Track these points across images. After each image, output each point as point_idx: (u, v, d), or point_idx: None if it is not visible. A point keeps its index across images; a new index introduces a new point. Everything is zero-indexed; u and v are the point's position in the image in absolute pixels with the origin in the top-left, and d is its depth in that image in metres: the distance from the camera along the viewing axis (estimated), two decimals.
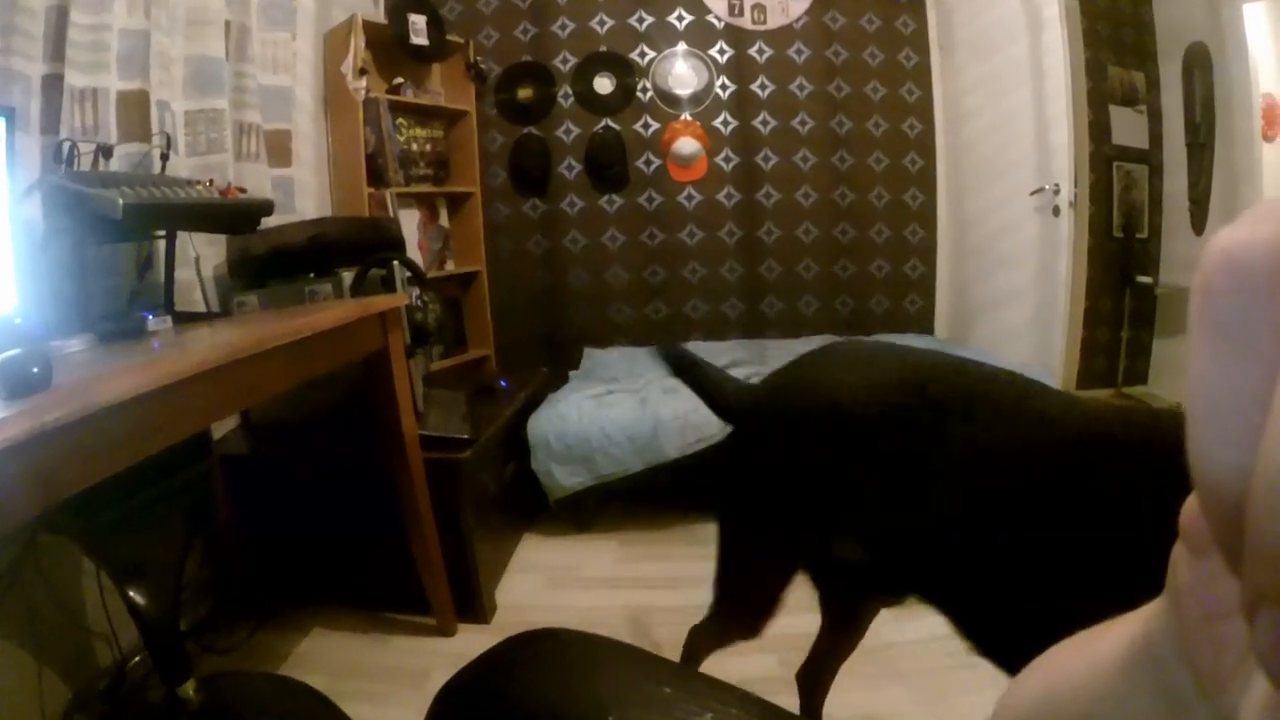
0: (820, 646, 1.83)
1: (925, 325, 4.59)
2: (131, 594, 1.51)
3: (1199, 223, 4.60)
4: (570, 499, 2.90)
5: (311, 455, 2.36)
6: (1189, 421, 0.19)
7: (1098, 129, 4.50)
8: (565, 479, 2.85)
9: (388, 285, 2.38)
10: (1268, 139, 4.33)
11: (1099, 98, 4.51)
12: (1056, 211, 3.62)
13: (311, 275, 2.35)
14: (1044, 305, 3.77)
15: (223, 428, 2.47)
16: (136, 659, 1.95)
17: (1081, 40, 4.14)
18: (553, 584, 2.63)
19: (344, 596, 2.41)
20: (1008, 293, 4.03)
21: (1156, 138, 4.74)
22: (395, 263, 2.40)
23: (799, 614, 2.36)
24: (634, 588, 2.58)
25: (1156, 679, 0.25)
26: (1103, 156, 4.57)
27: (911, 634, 2.30)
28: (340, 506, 2.32)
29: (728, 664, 2.16)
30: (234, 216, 2.06)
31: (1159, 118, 4.74)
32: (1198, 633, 0.22)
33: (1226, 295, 0.18)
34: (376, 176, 3.38)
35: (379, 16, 3.61)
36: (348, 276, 2.33)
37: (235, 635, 2.19)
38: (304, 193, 3.04)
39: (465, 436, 2.35)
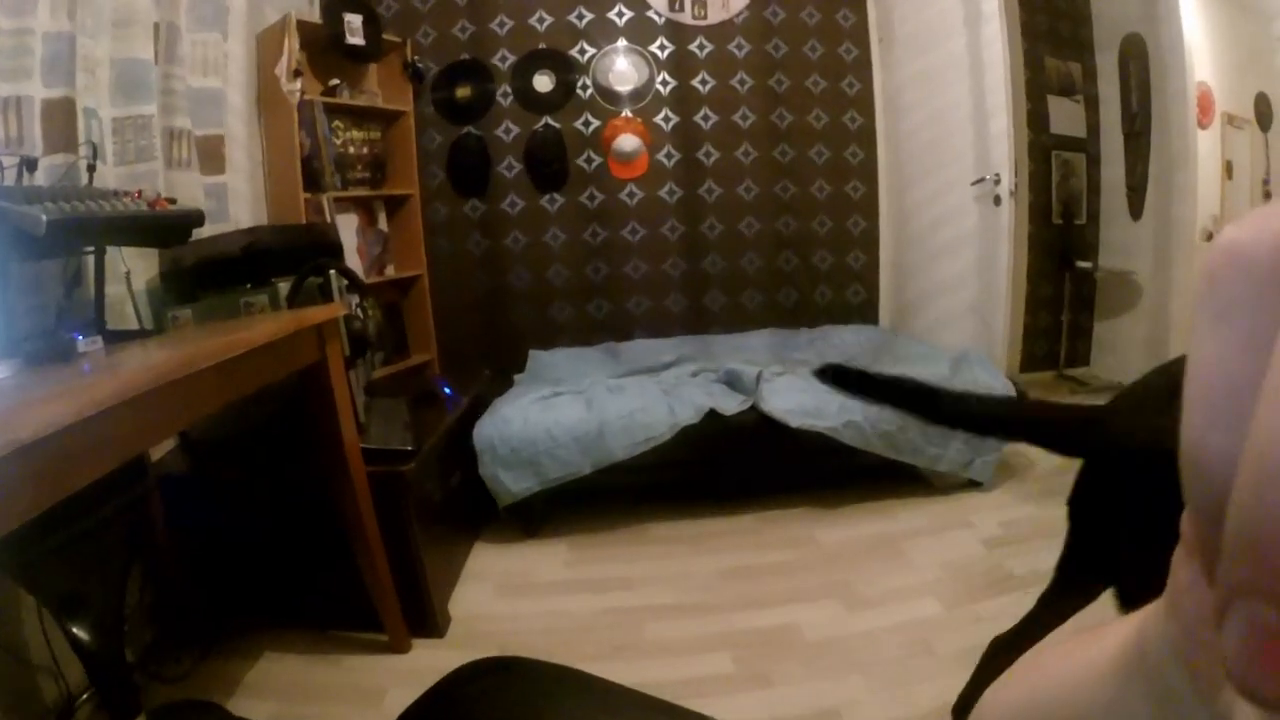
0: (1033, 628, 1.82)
1: (869, 315, 4.63)
2: (73, 628, 1.45)
3: (1136, 209, 4.72)
4: (519, 504, 2.86)
5: (253, 472, 2.28)
6: (1184, 407, 0.19)
7: (1036, 119, 4.60)
8: (513, 484, 2.82)
9: (325, 294, 2.31)
10: (1202, 126, 4.44)
11: (1037, 88, 4.60)
12: (997, 201, 3.67)
13: (248, 286, 2.28)
14: (986, 291, 3.82)
15: (160, 447, 2.39)
16: (84, 695, 1.88)
17: (1020, 32, 4.21)
18: (505, 592, 2.60)
19: (293, 617, 2.34)
20: (950, 280, 4.08)
21: (1094, 127, 4.86)
22: (332, 271, 2.34)
23: (755, 611, 2.38)
24: (587, 591, 2.57)
25: (1151, 682, 0.24)
26: (1041, 146, 4.67)
27: (864, 625, 2.32)
28: (285, 524, 2.26)
29: (684, 662, 2.17)
30: (163, 229, 1.97)
31: (1096, 107, 4.85)
32: (1197, 634, 0.22)
33: (1231, 284, 0.18)
34: (312, 181, 3.29)
35: (313, 16, 3.52)
36: (285, 286, 2.26)
37: (183, 662, 2.11)
38: (238, 200, 2.95)
39: (408, 448, 2.30)
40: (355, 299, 2.48)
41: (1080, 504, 1.54)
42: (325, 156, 3.38)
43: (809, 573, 2.64)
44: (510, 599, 2.55)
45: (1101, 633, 0.29)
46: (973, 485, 3.24)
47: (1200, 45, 4.44)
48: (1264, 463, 0.16)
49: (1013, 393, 3.20)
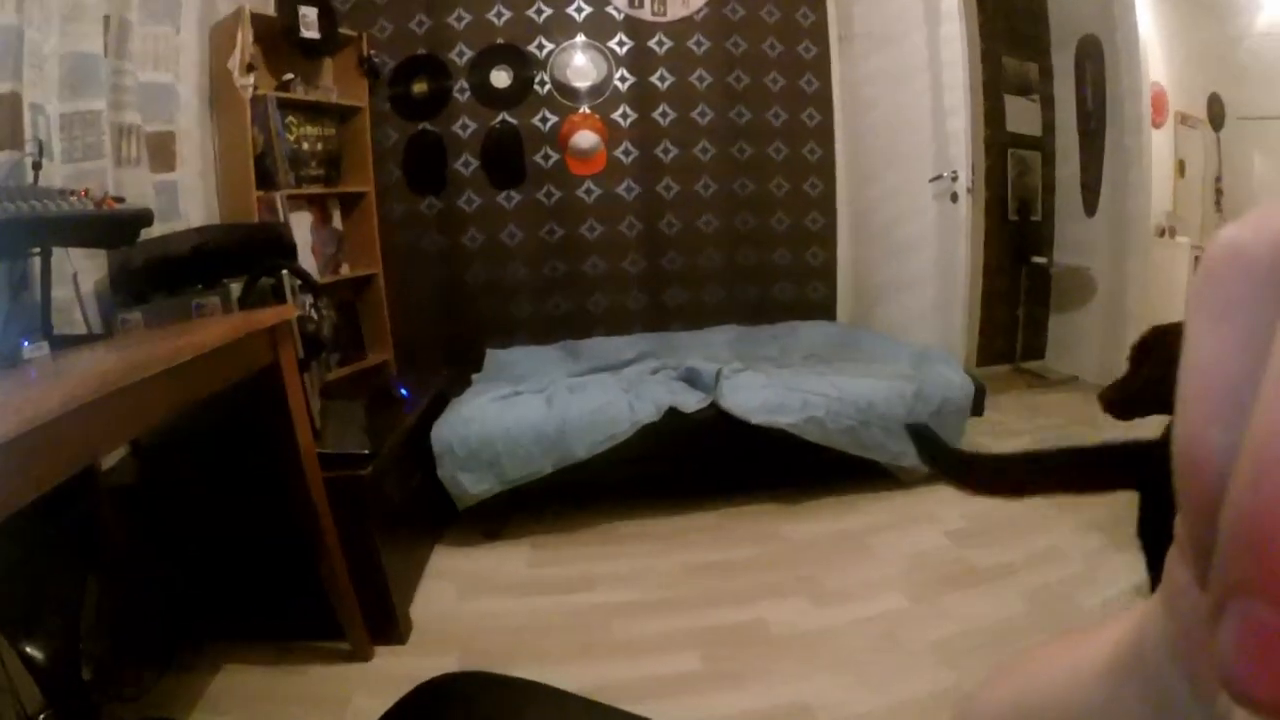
0: None
1: (828, 311, 4.65)
2: (26, 647, 1.39)
3: (1090, 205, 4.80)
4: (480, 505, 2.82)
5: (208, 480, 2.22)
6: (1179, 404, 0.19)
7: (993, 117, 4.67)
8: (472, 486, 2.77)
9: (278, 295, 2.26)
10: (1156, 125, 4.54)
11: (994, 87, 4.67)
12: (954, 197, 3.70)
13: (199, 287, 2.21)
14: (944, 287, 3.85)
15: (111, 456, 2.31)
16: (41, 716, 1.81)
17: (978, 32, 4.26)
18: (467, 594, 2.56)
19: (254, 628, 2.28)
20: (909, 277, 4.11)
21: (1049, 125, 4.94)
22: (284, 271, 2.28)
23: (722, 607, 2.37)
24: (550, 592, 2.54)
25: (1148, 683, 0.24)
26: (998, 143, 4.74)
27: (831, 619, 2.32)
28: (242, 532, 2.20)
29: (651, 661, 2.15)
30: (110, 229, 1.90)
31: (1052, 106, 4.94)
32: (1194, 635, 0.21)
33: (1230, 284, 0.18)
34: (265, 179, 3.19)
35: (268, 8, 3.42)
36: (237, 288, 2.20)
37: (142, 679, 2.04)
38: (189, 198, 2.86)
39: (365, 451, 2.24)
40: (309, 299, 2.43)
41: (1149, 534, 1.67)
42: (278, 153, 3.29)
43: (775, 568, 2.64)
44: (473, 601, 2.52)
45: (1094, 633, 0.29)
46: (935, 478, 3.26)
47: (1155, 46, 4.54)
48: (1261, 456, 0.15)
49: (971, 388, 3.23)
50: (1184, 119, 5.20)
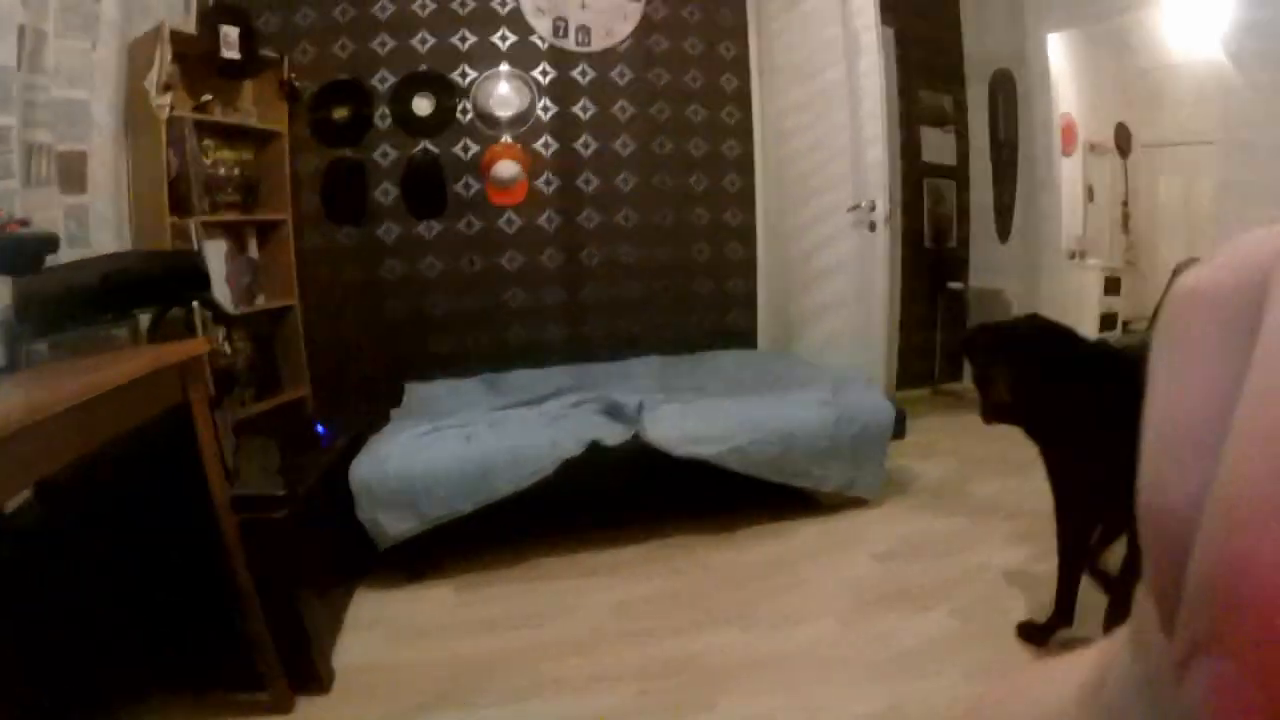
0: None
1: (749, 339, 4.69)
2: None
3: (1004, 231, 4.99)
4: (402, 544, 2.72)
5: (117, 523, 2.10)
6: (1144, 453, 0.18)
7: (910, 148, 4.80)
8: (393, 526, 2.68)
9: (189, 328, 2.17)
10: (1066, 154, 4.77)
11: (911, 119, 4.81)
12: (872, 227, 3.76)
13: (109, 318, 2.11)
14: (863, 313, 3.91)
15: (12, 500, 2.18)
16: None
17: (896, 66, 4.39)
18: (392, 639, 2.47)
19: (167, 679, 2.15)
20: (828, 304, 4.16)
21: (964, 155, 5.11)
22: (195, 303, 2.19)
23: (654, 641, 2.34)
24: (478, 633, 2.46)
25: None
26: (915, 173, 4.87)
27: (765, 648, 2.32)
28: (154, 579, 2.09)
29: (585, 700, 2.11)
30: (13, 254, 1.82)
31: (966, 136, 5.10)
32: (1163, 676, 0.19)
33: (1196, 328, 0.18)
34: (179, 204, 3.06)
35: (189, 26, 3.29)
36: (147, 318, 2.11)
37: None
38: (100, 223, 2.73)
39: (280, 492, 2.14)
40: (222, 332, 2.34)
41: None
42: (193, 177, 3.16)
43: (704, 599, 2.62)
44: (398, 647, 2.43)
45: (1055, 671, 0.28)
46: (859, 502, 3.30)
47: (1065, 79, 4.76)
48: (1231, 509, 0.15)
49: (892, 411, 3.29)
50: (1092, 147, 5.45)
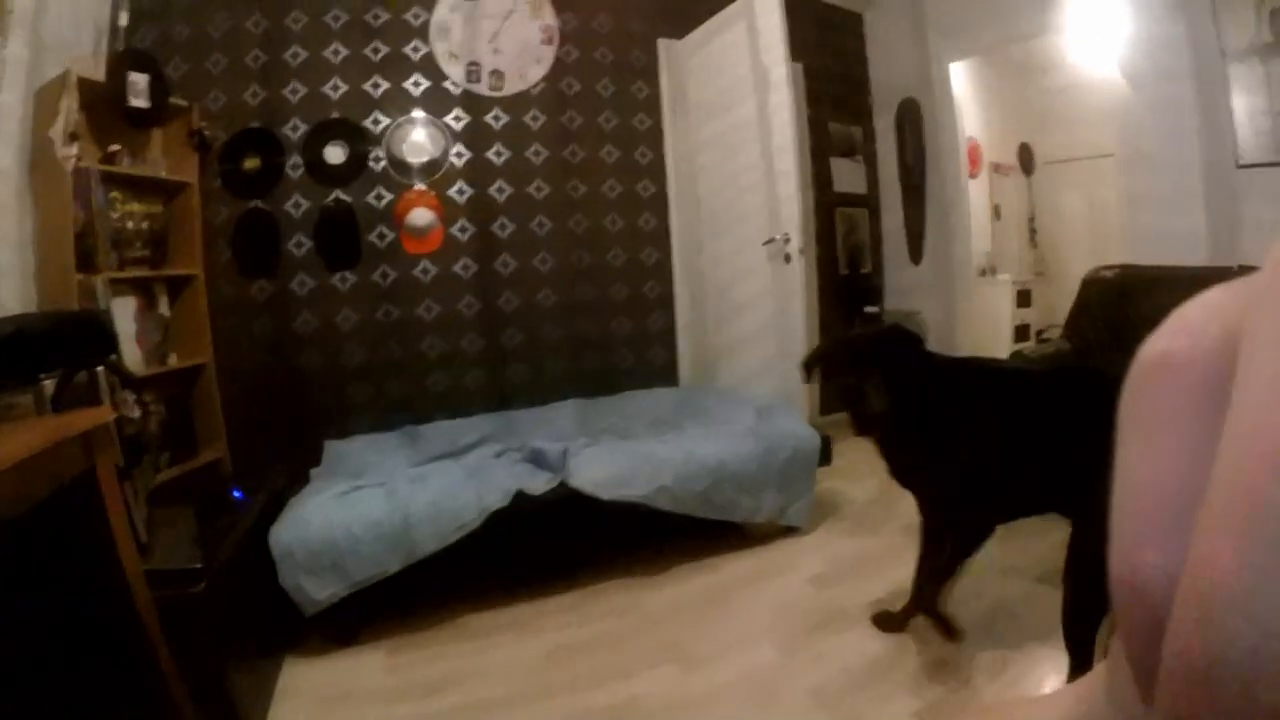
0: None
1: (670, 376, 4.72)
2: None
3: (916, 253, 5.13)
4: (328, 610, 2.62)
5: (17, 609, 2.01)
6: (1114, 524, 0.18)
7: (821, 179, 4.92)
8: (317, 591, 2.57)
9: (94, 393, 2.08)
10: (972, 176, 4.94)
11: (821, 151, 4.93)
12: (788, 259, 3.82)
13: (8, 384, 2.03)
14: (782, 343, 3.95)
15: None
16: None
17: (806, 100, 4.50)
18: (325, 709, 2.36)
19: None
20: (747, 336, 4.22)
21: (874, 183, 5.26)
22: (100, 367, 2.11)
23: (592, 690, 2.31)
24: (413, 697, 2.37)
25: None
26: (827, 203, 4.99)
27: (704, 683, 2.32)
28: (64, 667, 1.99)
29: None
30: None
31: (875, 165, 5.25)
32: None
33: (1163, 396, 0.18)
34: (86, 260, 2.94)
35: (98, 73, 3.12)
36: (52, 384, 2.03)
37: None
38: (4, 281, 2.61)
39: (198, 565, 2.04)
40: (131, 396, 2.26)
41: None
42: (101, 232, 3.04)
43: (640, 640, 2.61)
44: (331, 717, 2.34)
45: (1035, 707, 0.28)
46: (790, 530, 3.33)
47: (969, 104, 4.95)
48: (1204, 592, 0.15)
49: (816, 438, 3.34)
50: (997, 168, 5.66)
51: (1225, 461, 0.15)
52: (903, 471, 2.35)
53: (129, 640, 1.83)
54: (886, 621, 2.48)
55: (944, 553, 2.37)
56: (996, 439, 2.08)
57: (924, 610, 2.42)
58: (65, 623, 1.93)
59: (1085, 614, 1.81)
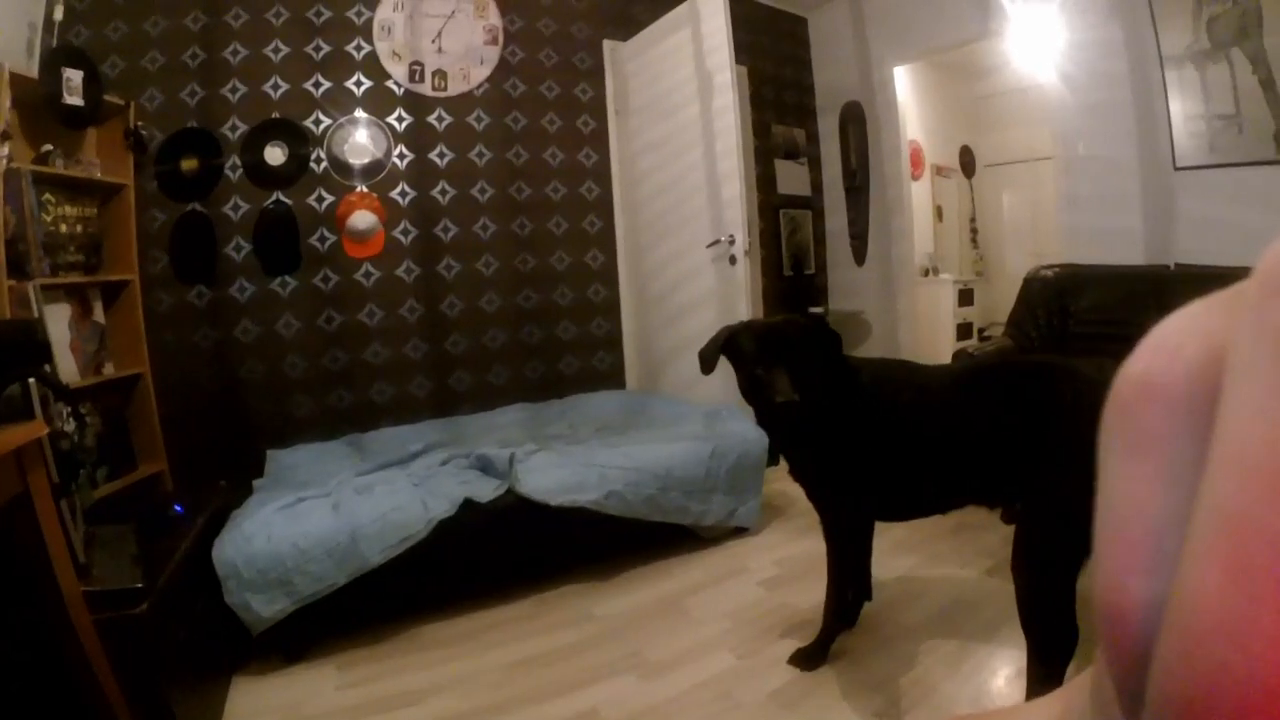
0: None
1: (617, 380, 4.72)
2: None
3: (860, 254, 5.19)
4: (278, 625, 2.55)
5: None
6: (1097, 549, 0.18)
7: (765, 181, 4.96)
8: (264, 609, 2.49)
9: (25, 406, 2.00)
10: (914, 178, 5.02)
11: (765, 153, 4.97)
12: (733, 260, 3.84)
13: None
14: None
15: None
16: None
17: (749, 103, 4.52)
18: None
19: None
20: (694, 338, 4.20)
21: (817, 184, 5.32)
22: (31, 380, 2.03)
23: (549, 701, 2.29)
24: (367, 715, 2.31)
25: None
26: (770, 205, 5.03)
27: (663, 692, 2.31)
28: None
29: None
30: None
31: (819, 167, 5.31)
32: None
33: (1145, 418, 0.17)
34: (17, 266, 2.83)
35: (31, 70, 3.01)
36: None
37: None
38: None
39: (138, 585, 1.97)
40: (66, 409, 2.17)
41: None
42: (32, 237, 2.93)
43: (596, 649, 2.59)
44: None
45: (1033, 712, 0.27)
46: (740, 532, 3.35)
47: (911, 108, 5.02)
48: (1191, 621, 0.14)
49: (764, 440, 3.36)
50: (939, 170, 5.76)
51: (1210, 485, 0.15)
52: (801, 468, 2.31)
53: (69, 666, 1.75)
54: (807, 659, 2.38)
55: (853, 564, 2.40)
56: (901, 441, 2.07)
57: (843, 627, 2.42)
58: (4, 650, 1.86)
59: (1039, 602, 1.84)
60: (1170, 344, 0.17)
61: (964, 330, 5.64)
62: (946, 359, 4.80)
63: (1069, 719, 0.23)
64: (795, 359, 2.07)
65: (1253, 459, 0.14)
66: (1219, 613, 0.14)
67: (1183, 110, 3.58)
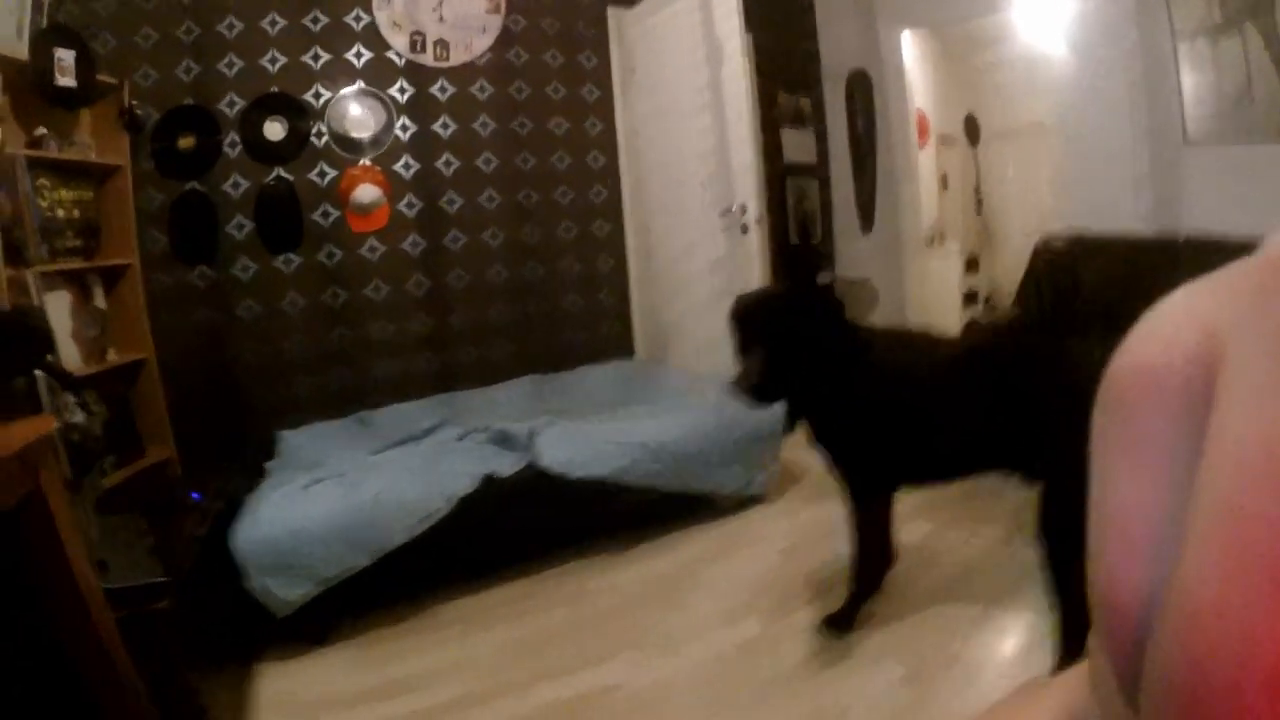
0: None
1: (625, 350, 4.67)
2: None
3: (866, 223, 5.15)
4: (300, 610, 2.50)
5: None
6: (1094, 540, 0.18)
7: (772, 149, 4.90)
8: (286, 593, 2.45)
9: (32, 400, 1.96)
10: (920, 146, 4.96)
11: (771, 121, 4.91)
12: (745, 229, 3.80)
13: None
14: None
15: None
16: None
17: (756, 71, 4.45)
18: (304, 712, 2.26)
19: None
20: (701, 307, 4.18)
21: (823, 153, 5.25)
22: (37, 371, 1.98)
23: (567, 678, 2.25)
24: (390, 695, 2.28)
25: None
26: (777, 173, 4.98)
27: (687, 664, 2.29)
28: (23, 703, 1.87)
29: None
30: None
31: (825, 136, 5.25)
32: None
33: (1142, 413, 0.18)
34: (15, 253, 2.76)
35: (21, 51, 2.90)
36: None
37: None
38: None
39: (160, 579, 1.92)
40: (73, 399, 2.13)
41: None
42: (29, 223, 2.86)
43: (617, 622, 2.58)
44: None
45: (1035, 703, 0.28)
46: (754, 500, 3.33)
47: (917, 76, 4.95)
48: (1189, 607, 0.15)
49: (780, 410, 3.34)
50: (944, 139, 5.71)
51: (1208, 475, 0.15)
52: (821, 435, 2.31)
53: (93, 665, 1.70)
54: (837, 625, 2.35)
55: (876, 530, 2.38)
56: (911, 407, 2.08)
57: (869, 591, 2.41)
58: (20, 656, 1.80)
59: (1064, 568, 1.84)
60: (1165, 332, 0.18)
61: (970, 298, 5.62)
62: (954, 327, 4.80)
63: (1073, 711, 0.24)
64: (777, 334, 2.05)
65: (1250, 447, 0.15)
66: (1216, 600, 0.14)
67: (1194, 84, 3.51)
